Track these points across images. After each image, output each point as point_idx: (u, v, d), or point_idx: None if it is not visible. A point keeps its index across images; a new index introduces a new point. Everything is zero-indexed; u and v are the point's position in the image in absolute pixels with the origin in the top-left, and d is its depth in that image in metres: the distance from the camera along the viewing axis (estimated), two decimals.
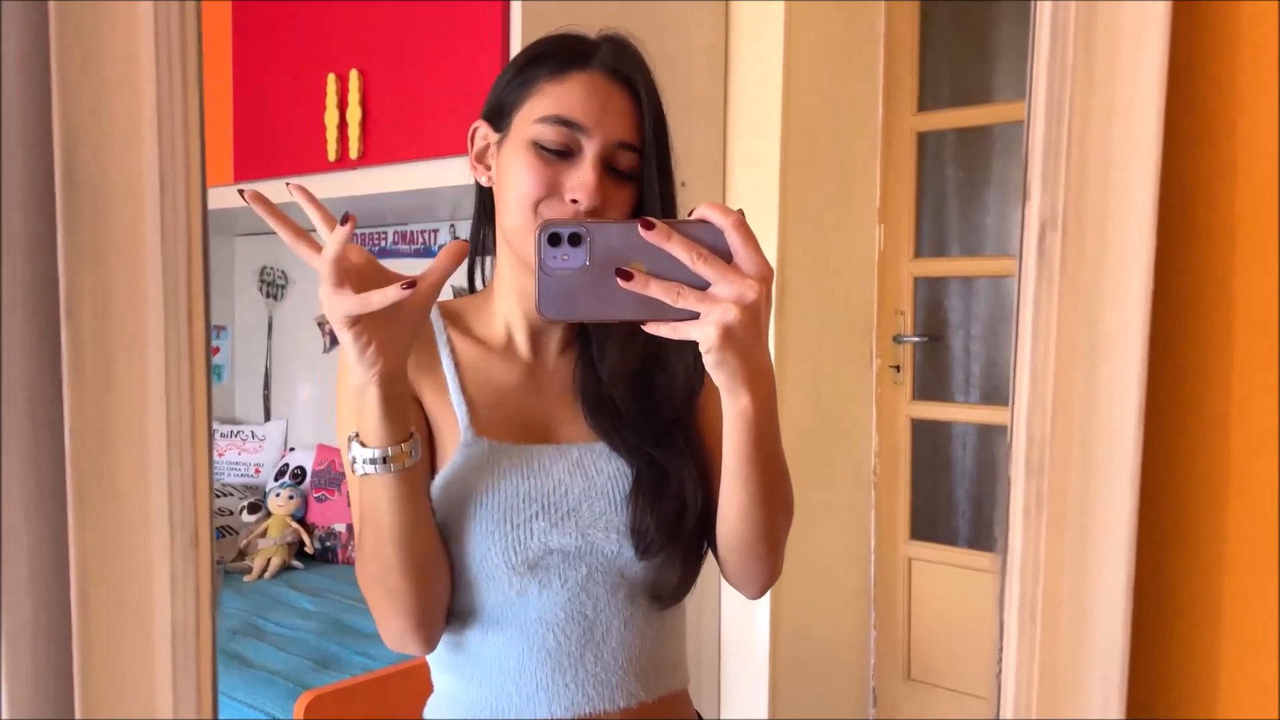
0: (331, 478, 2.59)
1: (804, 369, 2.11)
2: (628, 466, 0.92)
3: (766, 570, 0.91)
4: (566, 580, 0.89)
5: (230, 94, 2.28)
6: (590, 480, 0.91)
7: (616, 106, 0.88)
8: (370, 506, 0.82)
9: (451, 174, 1.84)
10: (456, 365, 0.94)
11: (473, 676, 0.91)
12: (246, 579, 2.37)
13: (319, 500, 2.57)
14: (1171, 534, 0.45)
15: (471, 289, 1.02)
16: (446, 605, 0.90)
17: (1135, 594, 0.43)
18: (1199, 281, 0.44)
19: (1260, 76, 0.43)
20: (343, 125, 2.02)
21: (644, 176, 0.89)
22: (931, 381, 2.32)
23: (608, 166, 0.87)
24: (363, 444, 0.80)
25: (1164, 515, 0.45)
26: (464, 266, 1.02)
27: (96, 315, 0.43)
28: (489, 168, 0.94)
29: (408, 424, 0.80)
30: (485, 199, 0.96)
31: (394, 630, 0.87)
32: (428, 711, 0.97)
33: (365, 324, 0.73)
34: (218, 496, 2.62)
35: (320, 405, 2.85)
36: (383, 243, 2.65)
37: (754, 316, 0.68)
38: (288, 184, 0.75)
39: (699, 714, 1.02)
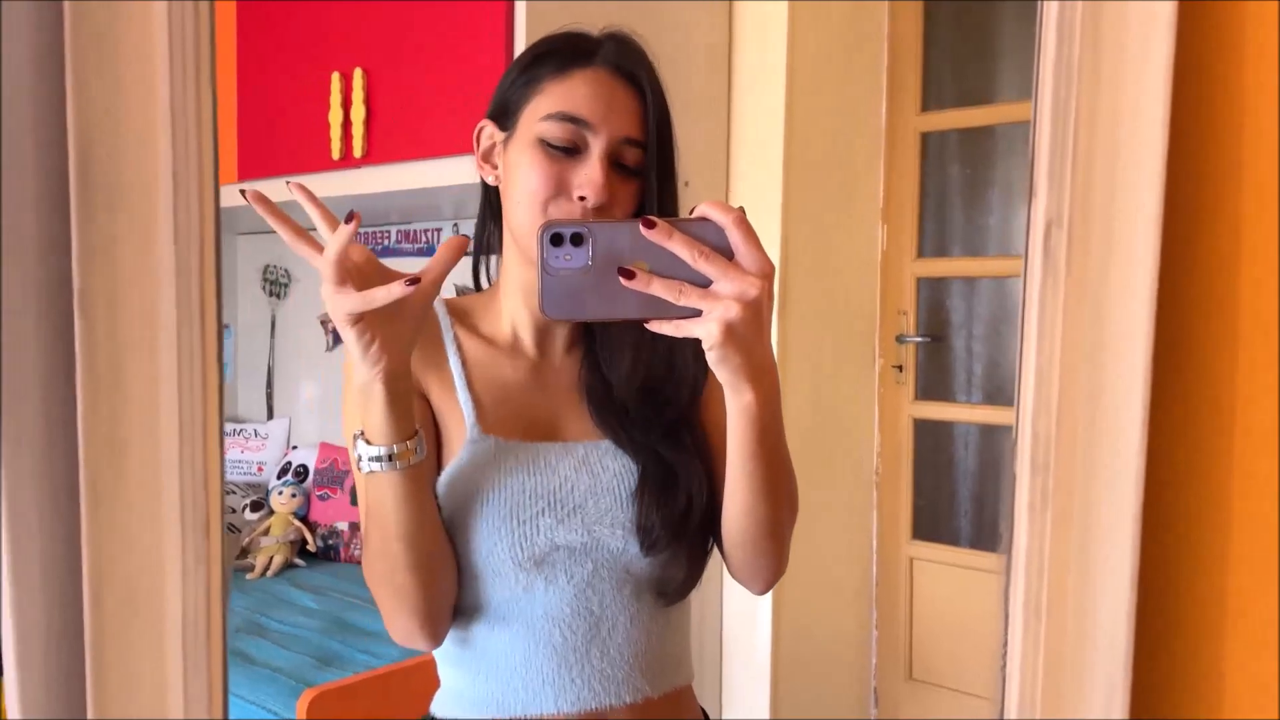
0: (334, 476, 2.59)
1: (806, 368, 2.11)
2: (633, 464, 0.92)
3: (772, 565, 0.92)
4: (573, 576, 0.89)
5: (234, 92, 2.28)
6: (596, 477, 0.91)
7: (621, 103, 0.88)
8: (376, 504, 0.83)
9: (455, 173, 1.85)
10: (463, 362, 0.94)
11: (479, 672, 0.92)
12: (249, 577, 2.37)
13: (321, 498, 2.57)
14: (1175, 532, 0.45)
15: (477, 287, 1.02)
16: (453, 601, 0.90)
17: (1139, 592, 0.43)
18: (1204, 280, 0.45)
19: (1266, 76, 0.43)
20: (347, 124, 2.02)
21: (648, 172, 0.89)
22: (934, 381, 2.32)
23: (614, 163, 0.88)
24: (368, 442, 0.80)
25: (1168, 513, 0.45)
26: (469, 264, 1.03)
27: (109, 312, 0.44)
28: (495, 166, 0.94)
29: (412, 421, 0.81)
30: (491, 197, 0.97)
31: (401, 626, 0.88)
32: (435, 707, 0.97)
33: (368, 321, 0.74)
34: None
35: (323, 404, 2.86)
36: (386, 241, 2.65)
37: (756, 313, 0.69)
38: (288, 183, 0.76)
39: (704, 710, 1.03)
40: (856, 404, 2.28)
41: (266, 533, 2.47)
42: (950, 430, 2.34)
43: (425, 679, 1.06)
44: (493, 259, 1.00)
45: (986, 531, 2.26)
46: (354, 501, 2.53)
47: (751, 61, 2.02)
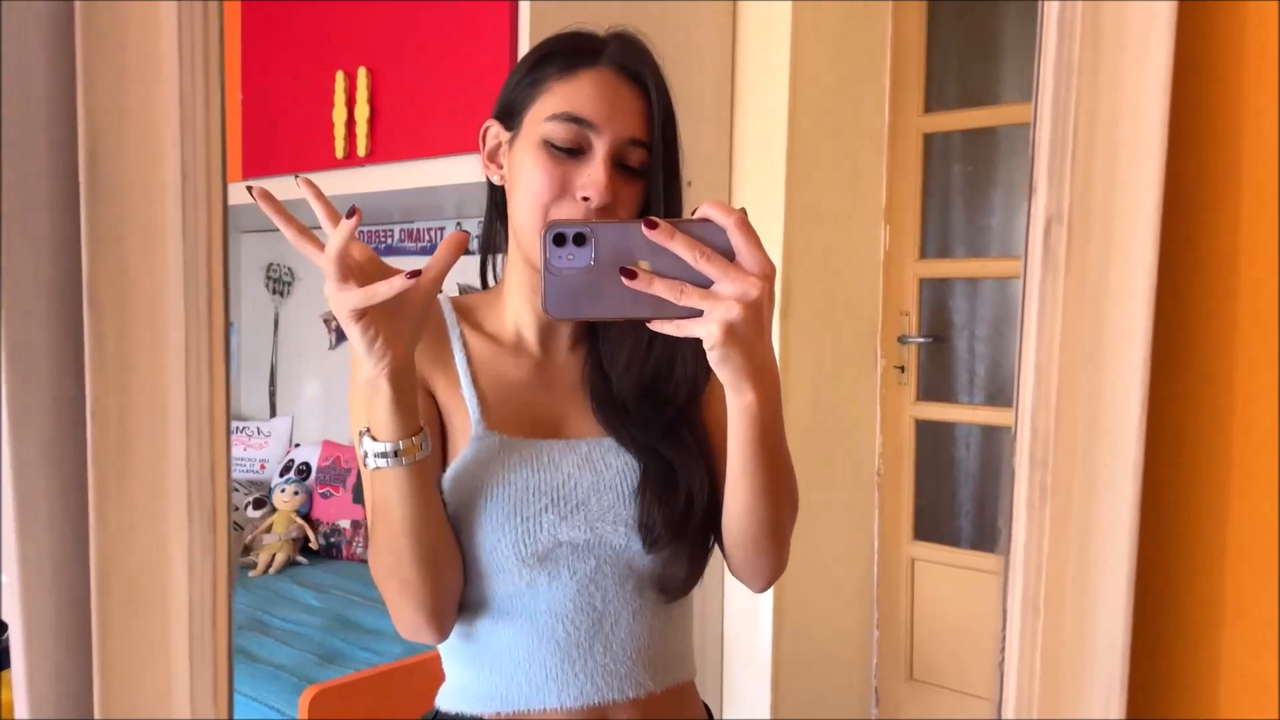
0: (336, 474, 2.60)
1: (808, 369, 2.12)
2: (636, 461, 0.93)
3: (772, 564, 0.92)
4: (575, 572, 0.90)
5: (239, 91, 2.29)
6: (599, 475, 0.92)
7: (626, 103, 0.88)
8: (382, 500, 0.83)
9: (458, 172, 1.85)
10: (469, 360, 0.95)
11: (483, 666, 0.92)
12: (252, 574, 2.38)
13: (324, 496, 2.58)
14: (1173, 529, 0.46)
15: (484, 285, 1.03)
16: (459, 596, 0.91)
17: (1137, 590, 0.43)
18: (1203, 278, 0.45)
19: (1265, 75, 0.44)
20: (350, 123, 2.03)
21: (652, 173, 0.90)
22: (936, 382, 2.32)
23: (618, 163, 0.88)
24: (374, 438, 0.80)
25: (1166, 510, 0.46)
26: (474, 262, 1.03)
27: (118, 308, 0.44)
28: (501, 166, 0.94)
29: (417, 418, 0.81)
30: (497, 197, 0.97)
31: (408, 621, 0.88)
32: (439, 700, 0.98)
33: (372, 318, 0.74)
34: None
35: (325, 401, 2.86)
36: (389, 240, 2.66)
37: (756, 313, 0.69)
38: (297, 177, 0.76)
39: (706, 705, 1.03)
40: (858, 404, 2.29)
41: (269, 530, 2.47)
42: (952, 431, 2.34)
43: (427, 677, 1.06)
44: (499, 257, 1.01)
45: (987, 532, 2.27)
46: (356, 499, 2.54)
47: (755, 61, 2.03)
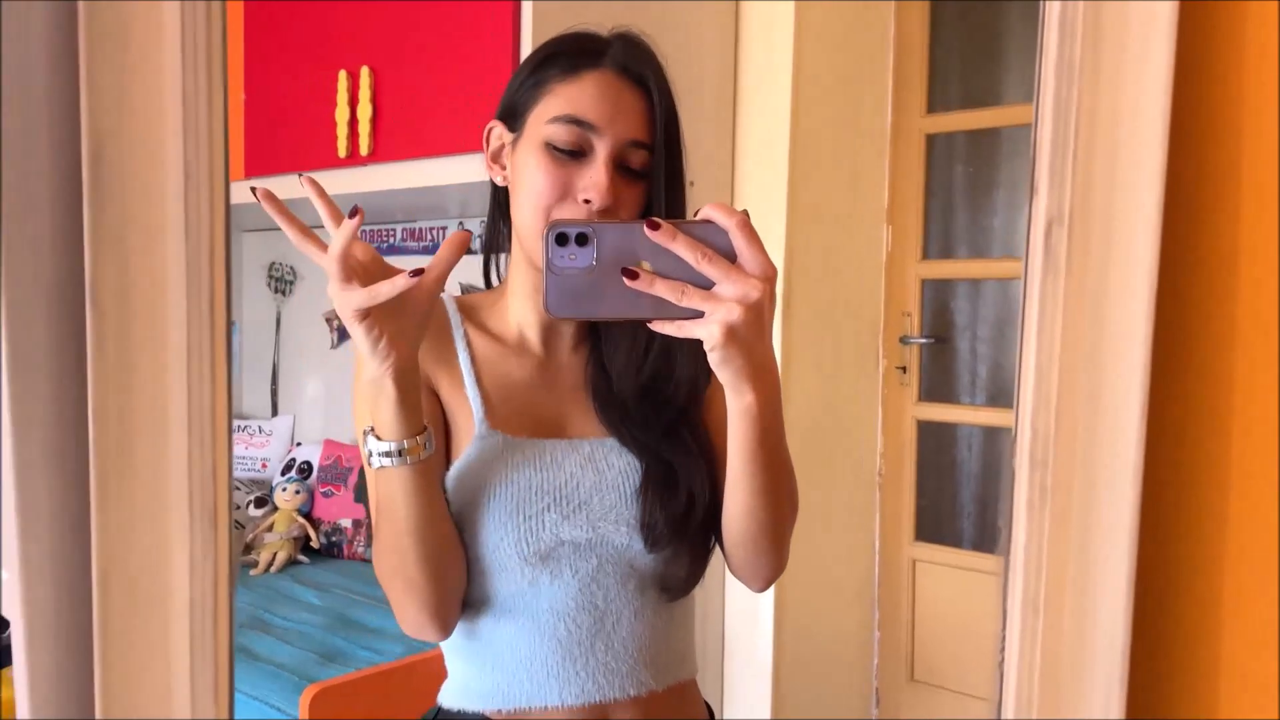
0: (338, 473, 2.60)
1: (810, 369, 2.12)
2: (638, 461, 0.93)
3: (771, 564, 0.92)
4: (577, 571, 0.90)
5: (241, 90, 2.29)
6: (601, 474, 0.92)
7: (628, 105, 0.88)
8: (386, 499, 0.83)
9: (460, 172, 1.86)
10: (472, 359, 0.95)
11: (485, 663, 0.93)
12: (253, 573, 2.38)
13: (325, 495, 2.58)
14: (1173, 529, 0.46)
15: (488, 285, 1.03)
16: (463, 593, 0.91)
17: (1136, 590, 0.43)
18: (1203, 279, 0.45)
19: (1266, 76, 0.44)
20: (353, 122, 2.03)
21: (654, 175, 0.90)
22: (937, 383, 2.32)
23: (620, 165, 0.88)
24: (378, 437, 0.81)
25: (1165, 510, 0.46)
26: (478, 262, 1.04)
27: (120, 306, 0.44)
28: (504, 167, 0.95)
29: (421, 417, 0.82)
30: (500, 197, 0.97)
31: (412, 619, 0.89)
32: (442, 697, 0.98)
33: (375, 317, 0.75)
34: None
35: (327, 401, 2.87)
36: (391, 239, 2.66)
37: (757, 315, 0.69)
38: (300, 176, 0.76)
39: (707, 704, 1.04)
40: (860, 404, 2.29)
41: (270, 529, 2.48)
42: (953, 432, 2.34)
43: (427, 675, 1.06)
44: (502, 257, 1.01)
45: (989, 533, 2.27)
46: (357, 498, 2.54)
47: (757, 62, 2.03)
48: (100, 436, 0.44)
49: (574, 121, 0.87)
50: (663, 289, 0.68)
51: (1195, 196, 0.45)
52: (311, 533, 2.51)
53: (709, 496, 0.92)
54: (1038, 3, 0.44)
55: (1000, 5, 2.25)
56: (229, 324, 0.46)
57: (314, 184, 0.76)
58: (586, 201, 0.87)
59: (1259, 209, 0.44)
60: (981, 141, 2.28)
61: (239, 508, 2.56)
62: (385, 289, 0.72)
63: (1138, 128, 0.42)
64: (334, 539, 2.53)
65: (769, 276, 0.70)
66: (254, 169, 2.26)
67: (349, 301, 0.73)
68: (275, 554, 2.42)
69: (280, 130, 2.23)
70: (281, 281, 2.95)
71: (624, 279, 0.68)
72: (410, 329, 0.77)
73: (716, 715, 1.06)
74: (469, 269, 0.96)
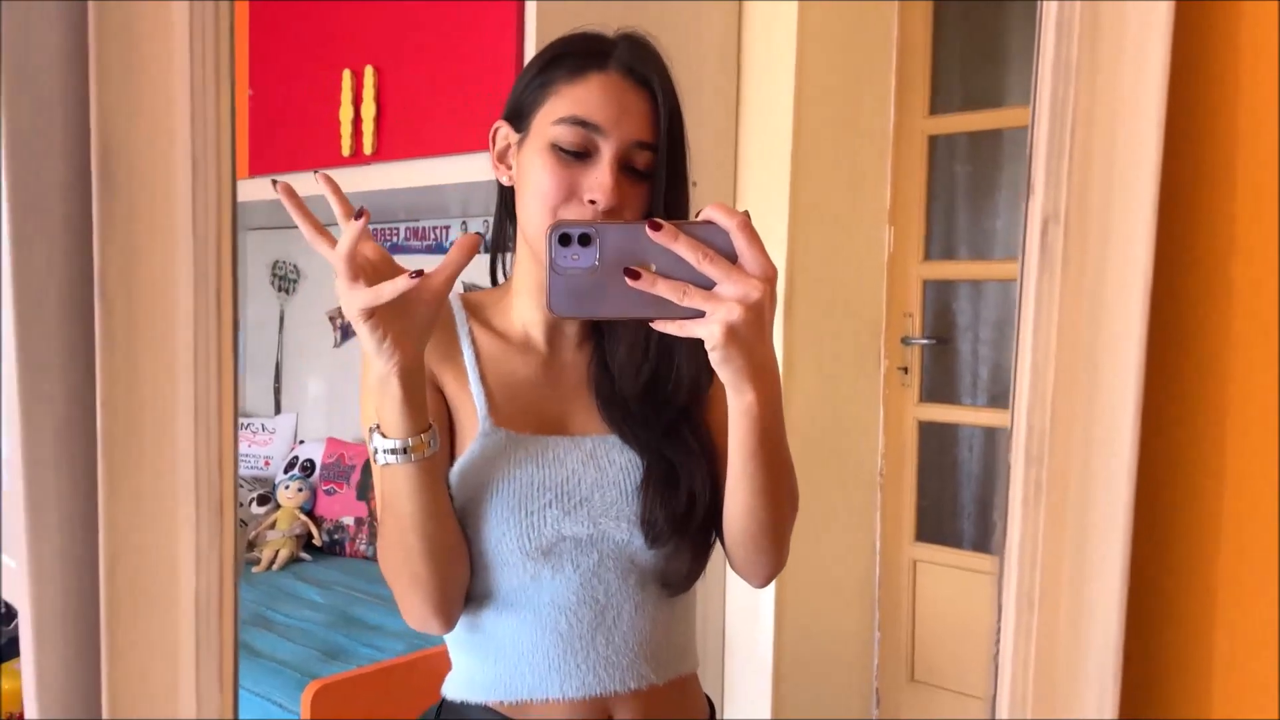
0: (340, 471, 2.60)
1: (811, 369, 2.12)
2: (639, 459, 0.94)
3: (772, 561, 0.93)
4: (579, 566, 0.91)
5: (246, 88, 2.30)
6: (603, 471, 0.93)
7: (633, 107, 0.89)
8: (391, 496, 0.84)
9: (463, 171, 1.86)
10: (477, 357, 0.96)
11: (488, 656, 0.94)
12: (255, 570, 2.39)
13: (328, 493, 2.59)
14: (1167, 527, 0.46)
15: (493, 283, 1.04)
16: (466, 588, 0.92)
17: (1130, 586, 0.44)
18: (1198, 277, 0.45)
19: (1261, 76, 0.44)
20: (357, 121, 2.03)
21: (657, 176, 0.90)
22: (939, 384, 2.32)
23: (625, 166, 0.89)
24: (384, 435, 0.82)
25: (1160, 507, 0.46)
26: (483, 260, 1.04)
27: (128, 301, 0.45)
28: (510, 167, 0.95)
29: (426, 415, 0.83)
30: (506, 197, 0.98)
31: (417, 613, 0.90)
32: (445, 689, 1.00)
33: (380, 317, 0.75)
34: None
35: (330, 399, 2.87)
36: (394, 238, 2.66)
37: (758, 315, 0.70)
38: (315, 172, 0.77)
39: (708, 698, 1.04)
40: (861, 405, 2.29)
41: (273, 526, 2.48)
42: (955, 433, 2.34)
43: (429, 673, 1.07)
44: (508, 256, 1.02)
45: (989, 534, 2.27)
46: (360, 496, 2.54)
47: (760, 62, 2.03)
48: (108, 430, 0.45)
49: (579, 123, 0.88)
50: (664, 289, 0.69)
51: (1190, 195, 0.45)
52: (314, 530, 2.52)
53: (709, 494, 0.93)
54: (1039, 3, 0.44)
55: (1003, 6, 2.25)
56: (236, 317, 0.46)
57: (329, 180, 0.77)
58: (592, 202, 0.87)
59: (1254, 208, 0.44)
60: (983, 143, 2.28)
61: (241, 505, 2.57)
62: (388, 289, 0.73)
63: (1134, 127, 0.42)
64: (336, 537, 2.54)
65: (769, 277, 0.70)
66: (258, 167, 2.27)
67: (354, 300, 0.74)
68: (278, 551, 2.43)
69: (284, 129, 2.23)
70: (285, 280, 2.95)
71: (626, 279, 0.68)
72: (415, 330, 0.78)
73: (717, 712, 1.06)
74: (473, 268, 0.97)
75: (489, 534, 0.90)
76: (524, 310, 0.97)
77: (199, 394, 0.45)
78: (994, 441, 2.29)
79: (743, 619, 2.10)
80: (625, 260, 0.69)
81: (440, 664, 1.02)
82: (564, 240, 0.69)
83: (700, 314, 0.70)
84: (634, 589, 0.93)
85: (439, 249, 2.51)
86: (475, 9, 1.80)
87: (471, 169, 1.83)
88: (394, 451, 0.82)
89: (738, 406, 0.78)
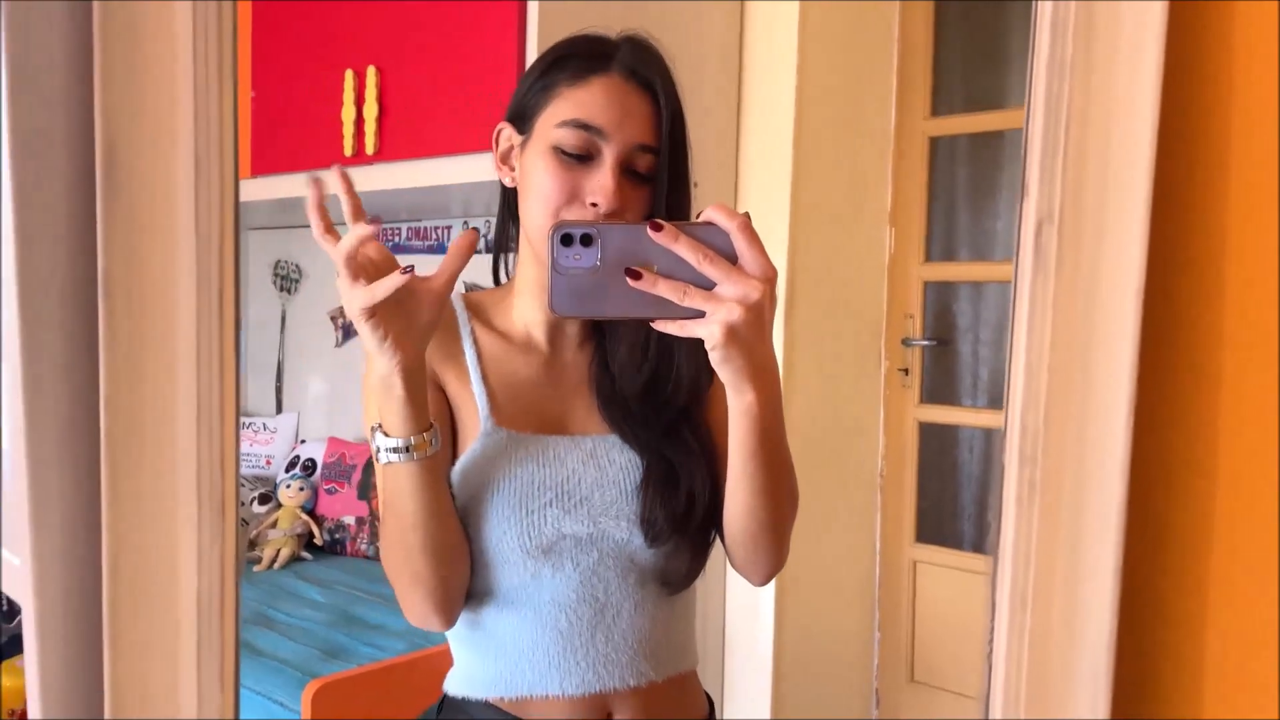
0: (342, 470, 2.61)
1: (812, 371, 2.12)
2: (639, 458, 0.94)
3: (772, 559, 0.94)
4: (579, 564, 0.92)
5: (249, 89, 2.30)
6: (603, 470, 0.93)
7: (636, 110, 0.90)
8: (393, 495, 0.85)
9: (465, 171, 1.86)
10: (479, 356, 0.97)
11: (489, 653, 0.95)
12: (256, 569, 2.39)
13: (329, 493, 2.59)
14: (1160, 527, 0.47)
15: (496, 283, 1.04)
16: (466, 586, 0.93)
17: (1123, 586, 0.44)
18: (1191, 278, 0.46)
19: (1255, 76, 0.44)
20: (359, 121, 2.04)
21: (659, 179, 0.91)
22: (939, 385, 2.32)
23: (627, 169, 0.89)
24: (386, 434, 0.82)
25: (1153, 507, 0.47)
26: (486, 261, 1.05)
27: (131, 301, 0.45)
28: (513, 169, 0.96)
29: (427, 414, 0.83)
30: (509, 198, 0.99)
31: (418, 611, 0.91)
32: (447, 684, 1.00)
33: (381, 316, 0.76)
34: None
35: (331, 398, 2.87)
36: (396, 238, 2.67)
37: (758, 315, 0.71)
38: (333, 167, 0.77)
39: (708, 694, 1.05)
40: (862, 406, 2.29)
41: (274, 526, 2.49)
42: (955, 434, 2.34)
43: (429, 672, 1.07)
44: (511, 256, 1.03)
45: (989, 535, 2.26)
46: (361, 495, 2.55)
47: (761, 64, 2.03)
48: (111, 428, 0.45)
49: (582, 126, 0.88)
50: (665, 289, 0.69)
51: (1184, 196, 0.45)
52: (315, 529, 2.52)
53: (708, 494, 0.93)
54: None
55: (1004, 7, 2.25)
56: (238, 317, 0.47)
57: (344, 178, 0.77)
58: (594, 205, 0.88)
59: (1247, 209, 0.45)
60: (984, 144, 2.28)
61: (243, 504, 2.57)
62: (381, 287, 0.74)
63: (1128, 128, 0.43)
64: (337, 536, 2.54)
65: (769, 278, 0.71)
66: (260, 167, 2.27)
67: (354, 300, 0.75)
68: (279, 550, 2.43)
69: (287, 129, 2.24)
70: (287, 280, 2.96)
71: (627, 279, 0.69)
72: (416, 330, 0.79)
73: (717, 710, 1.07)
74: (474, 268, 0.97)
75: (490, 532, 0.91)
76: (526, 310, 0.98)
77: (201, 393, 0.46)
78: (994, 443, 2.29)
79: (743, 619, 2.11)
80: (626, 260, 0.69)
81: (441, 663, 1.03)
82: (566, 240, 0.70)
83: (701, 314, 0.70)
84: (633, 587, 0.93)
85: (441, 249, 2.52)
86: (477, 9, 1.81)
87: (473, 169, 1.83)
88: (396, 450, 0.82)
89: (738, 406, 0.79)
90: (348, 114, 2.05)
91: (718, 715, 1.07)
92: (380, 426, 0.83)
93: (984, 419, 2.30)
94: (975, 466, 2.34)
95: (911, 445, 2.31)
